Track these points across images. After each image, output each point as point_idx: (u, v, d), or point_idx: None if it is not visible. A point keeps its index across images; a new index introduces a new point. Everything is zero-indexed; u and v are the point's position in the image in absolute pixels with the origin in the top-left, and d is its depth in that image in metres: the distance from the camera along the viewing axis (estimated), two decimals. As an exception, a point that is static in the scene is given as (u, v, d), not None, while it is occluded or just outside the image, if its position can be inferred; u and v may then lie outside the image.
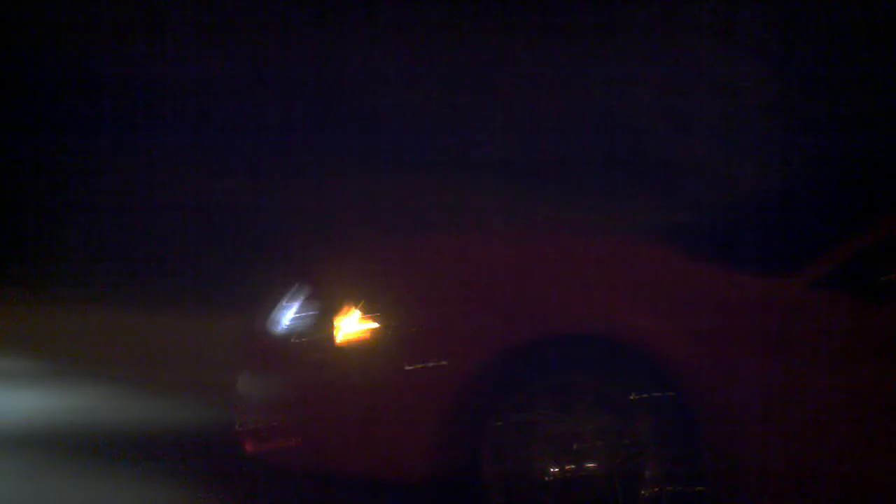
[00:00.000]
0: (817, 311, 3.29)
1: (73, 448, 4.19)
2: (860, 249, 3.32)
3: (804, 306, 3.29)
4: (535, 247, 3.57)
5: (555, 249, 3.51)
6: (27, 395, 5.05)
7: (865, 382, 3.26)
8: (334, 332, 3.22)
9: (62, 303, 6.79)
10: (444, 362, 3.16)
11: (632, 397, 3.21)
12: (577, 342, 3.21)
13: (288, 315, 3.42)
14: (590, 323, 3.23)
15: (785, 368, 3.25)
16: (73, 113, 8.33)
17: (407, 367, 3.16)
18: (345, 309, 3.24)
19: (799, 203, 4.07)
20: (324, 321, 3.26)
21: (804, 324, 3.28)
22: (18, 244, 7.60)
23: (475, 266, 3.40)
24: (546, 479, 3.19)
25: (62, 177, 8.04)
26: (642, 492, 3.21)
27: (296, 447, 3.24)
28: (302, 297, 3.42)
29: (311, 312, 3.32)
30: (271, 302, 3.61)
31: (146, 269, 7.38)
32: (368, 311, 3.22)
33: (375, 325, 3.20)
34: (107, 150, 8.29)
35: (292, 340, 3.33)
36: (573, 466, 3.19)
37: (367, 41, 8.79)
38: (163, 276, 7.27)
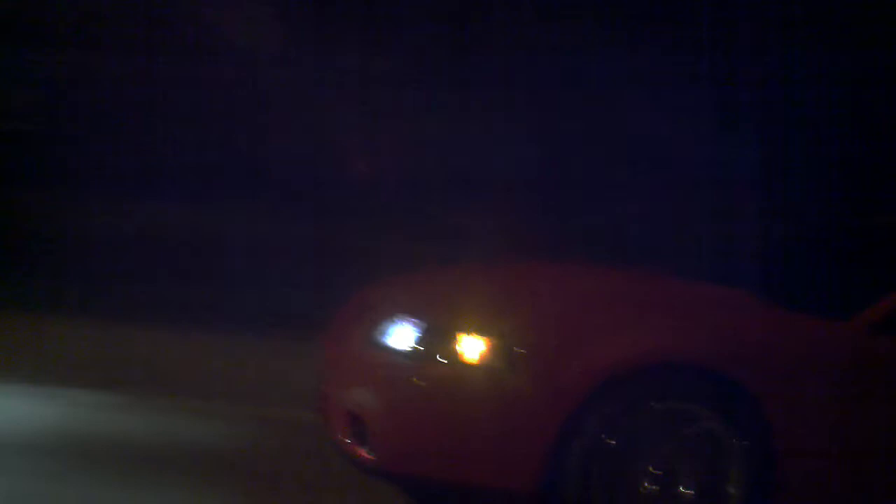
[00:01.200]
0: (878, 355, 3.70)
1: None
2: None
3: (867, 349, 3.69)
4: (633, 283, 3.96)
5: (652, 288, 3.91)
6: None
7: None
8: (455, 353, 3.56)
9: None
10: (556, 386, 3.50)
11: (716, 425, 3.57)
12: (669, 371, 3.59)
13: (399, 336, 3.70)
14: (678, 354, 3.60)
15: (846, 407, 3.65)
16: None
17: (522, 389, 3.50)
18: (463, 331, 3.57)
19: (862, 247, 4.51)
20: (444, 343, 3.59)
21: (868, 366, 3.68)
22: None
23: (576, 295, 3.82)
24: (641, 494, 3.55)
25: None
26: None
27: (414, 456, 3.55)
28: (412, 319, 3.70)
29: (428, 334, 3.63)
30: (369, 322, 3.87)
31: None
32: (485, 335, 3.56)
33: (493, 347, 3.54)
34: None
35: (411, 359, 3.62)
36: (668, 488, 3.57)
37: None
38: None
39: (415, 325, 3.69)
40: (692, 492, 3.58)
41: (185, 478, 4.18)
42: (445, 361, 3.56)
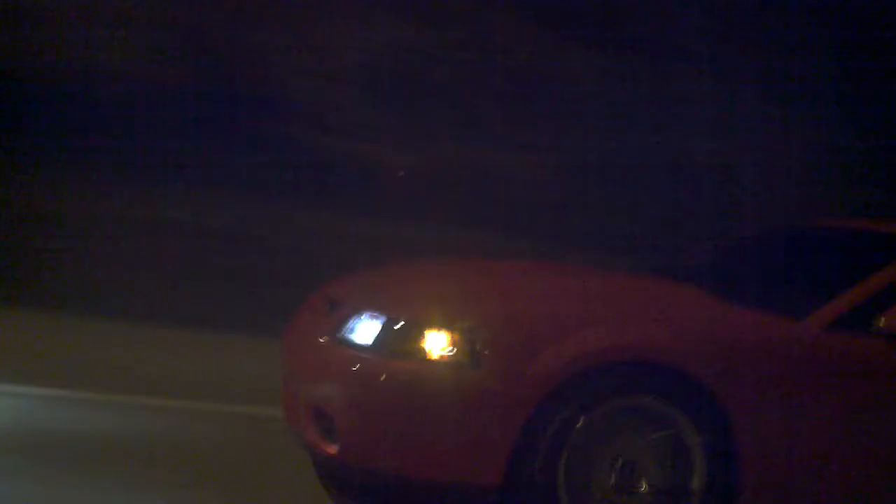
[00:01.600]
0: (832, 352, 3.79)
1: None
2: (875, 293, 3.85)
3: (819, 347, 3.78)
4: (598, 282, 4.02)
5: (614, 285, 3.96)
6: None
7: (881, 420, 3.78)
8: (421, 348, 3.58)
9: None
10: (519, 383, 3.52)
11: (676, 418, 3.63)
12: (630, 367, 3.64)
13: (365, 330, 3.71)
14: (639, 350, 3.65)
15: (803, 404, 3.74)
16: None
17: (486, 385, 3.52)
18: (432, 328, 3.60)
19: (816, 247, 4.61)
20: (410, 338, 3.61)
21: (823, 363, 3.77)
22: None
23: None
24: (604, 489, 3.62)
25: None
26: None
27: (379, 452, 3.56)
28: (379, 314, 3.71)
29: (395, 328, 3.64)
30: (337, 317, 3.87)
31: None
32: (450, 330, 3.58)
33: (458, 343, 3.57)
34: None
35: (377, 354, 3.63)
36: (631, 482, 3.64)
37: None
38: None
39: (381, 320, 3.70)
40: (655, 486, 3.64)
41: (139, 473, 4.17)
42: (411, 356, 3.58)
